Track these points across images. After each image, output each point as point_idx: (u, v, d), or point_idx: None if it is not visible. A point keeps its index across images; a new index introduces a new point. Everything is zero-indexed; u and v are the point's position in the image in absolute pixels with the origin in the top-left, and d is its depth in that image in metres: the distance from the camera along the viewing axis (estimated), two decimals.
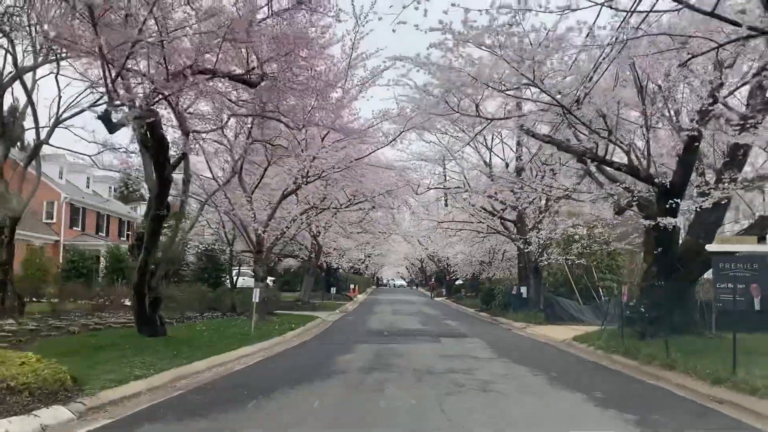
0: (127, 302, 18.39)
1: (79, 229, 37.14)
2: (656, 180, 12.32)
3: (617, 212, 17.28)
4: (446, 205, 33.44)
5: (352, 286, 46.17)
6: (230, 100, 13.23)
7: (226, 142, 18.06)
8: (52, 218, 35.40)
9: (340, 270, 44.05)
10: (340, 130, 16.13)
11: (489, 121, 14.67)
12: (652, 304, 13.23)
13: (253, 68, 9.98)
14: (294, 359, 12.93)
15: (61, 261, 29.49)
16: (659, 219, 12.32)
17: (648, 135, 11.87)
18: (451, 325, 23.29)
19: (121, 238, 40.62)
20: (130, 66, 10.24)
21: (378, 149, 18.96)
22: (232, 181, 19.13)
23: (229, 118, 13.29)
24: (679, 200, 12.16)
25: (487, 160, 23.89)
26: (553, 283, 27.38)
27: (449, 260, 44.01)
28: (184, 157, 12.16)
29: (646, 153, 12.33)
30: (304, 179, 18.68)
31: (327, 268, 41.21)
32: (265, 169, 19.01)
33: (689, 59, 8.51)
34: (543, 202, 23.14)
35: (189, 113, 14.01)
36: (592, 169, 16.72)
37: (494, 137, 23.37)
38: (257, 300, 16.30)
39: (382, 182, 22.88)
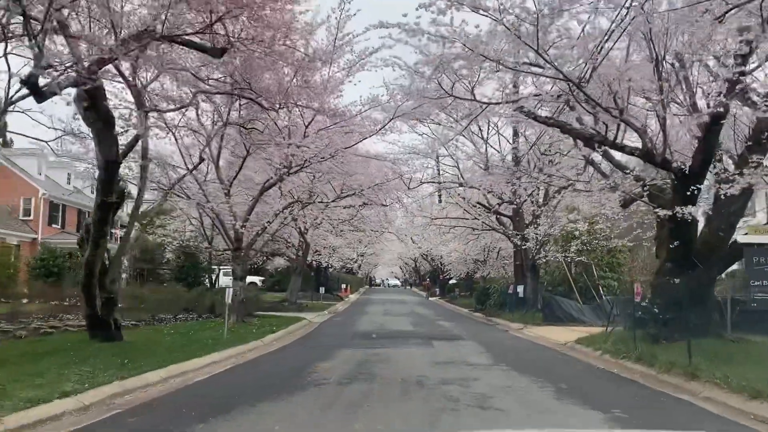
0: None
1: (59, 226, 35.39)
2: (674, 165, 10.86)
3: (624, 205, 15.86)
4: (440, 201, 32.01)
5: (343, 285, 44.62)
6: (199, 78, 11.74)
7: (199, 128, 16.51)
8: (29, 215, 33.69)
9: (331, 269, 42.49)
10: (325, 112, 14.64)
11: (485, 105, 13.27)
12: (666, 304, 11.78)
13: (212, 23, 8.45)
14: (267, 367, 11.40)
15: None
16: (677, 209, 10.86)
17: (665, 113, 10.40)
18: (444, 326, 21.80)
19: None
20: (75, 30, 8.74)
21: (366, 138, 17.44)
22: (208, 173, 17.62)
23: (195, 96, 11.75)
24: (700, 186, 10.71)
25: (483, 151, 22.33)
26: (551, 281, 25.98)
27: (443, 259, 42.52)
28: (139, 138, 10.61)
29: (661, 136, 10.86)
30: (287, 170, 17.15)
31: (317, 267, 39.68)
32: (244, 159, 17.47)
33: (729, 10, 7.06)
34: (541, 195, 21.71)
35: (156, 95, 12.52)
36: (597, 158, 15.31)
37: (490, 128, 21.91)
38: (230, 301, 14.77)
39: (372, 175, 21.39)
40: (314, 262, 38.09)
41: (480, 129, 21.83)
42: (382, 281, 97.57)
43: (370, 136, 17.31)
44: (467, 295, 39.53)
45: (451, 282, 50.65)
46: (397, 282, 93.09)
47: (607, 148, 12.55)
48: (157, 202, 16.30)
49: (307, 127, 17.11)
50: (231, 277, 43.68)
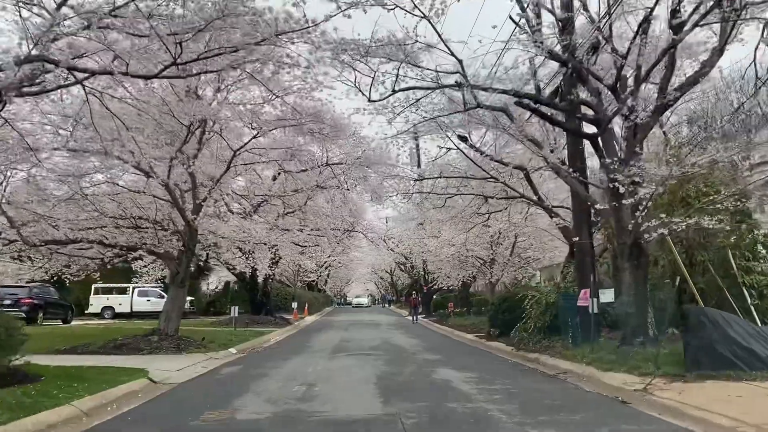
0: None
1: None
2: None
3: None
4: (419, 165, 19.60)
5: (294, 305, 31.55)
6: None
7: None
8: None
9: (273, 281, 29.56)
10: None
11: None
12: None
13: None
14: None
15: None
16: None
17: None
18: (455, 387, 9.02)
19: None
20: None
21: None
22: None
23: None
24: None
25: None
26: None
27: (426, 264, 29.58)
28: None
29: None
30: None
31: (251, 279, 26.74)
32: None
33: None
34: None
35: None
36: None
37: None
38: None
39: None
40: (247, 273, 25.28)
41: None
42: (354, 300, 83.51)
43: None
44: (464, 311, 26.89)
45: (435, 296, 38.00)
46: (363, 300, 76.82)
47: None
48: None
49: None
50: (152, 298, 30.45)
